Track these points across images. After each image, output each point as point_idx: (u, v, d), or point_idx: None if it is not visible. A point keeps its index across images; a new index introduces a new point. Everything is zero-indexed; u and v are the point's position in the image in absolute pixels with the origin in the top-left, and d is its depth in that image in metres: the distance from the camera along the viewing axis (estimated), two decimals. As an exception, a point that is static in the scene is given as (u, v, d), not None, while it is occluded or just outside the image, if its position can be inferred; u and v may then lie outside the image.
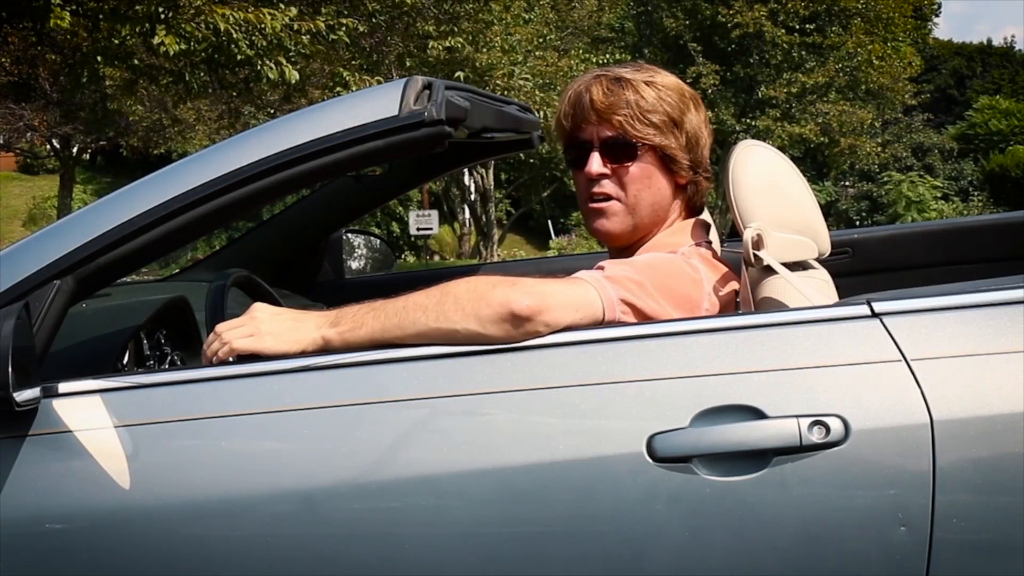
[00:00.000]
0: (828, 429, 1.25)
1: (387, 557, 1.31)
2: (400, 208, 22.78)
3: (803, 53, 21.86)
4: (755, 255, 1.48)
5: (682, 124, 1.60)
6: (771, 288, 1.50)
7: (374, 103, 1.46)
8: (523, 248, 26.32)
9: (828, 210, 30.16)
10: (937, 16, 33.22)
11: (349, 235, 2.64)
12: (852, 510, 1.25)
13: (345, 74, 10.71)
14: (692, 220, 1.67)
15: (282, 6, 8.23)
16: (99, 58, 8.95)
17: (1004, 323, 1.29)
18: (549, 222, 26.84)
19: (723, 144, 24.57)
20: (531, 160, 20.28)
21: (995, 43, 41.43)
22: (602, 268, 1.48)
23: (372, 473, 1.32)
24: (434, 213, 17.78)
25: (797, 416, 1.26)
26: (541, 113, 12.10)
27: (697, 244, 1.62)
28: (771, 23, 21.19)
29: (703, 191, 1.68)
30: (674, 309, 1.48)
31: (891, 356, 1.28)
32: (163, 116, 17.74)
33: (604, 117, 1.60)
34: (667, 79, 1.63)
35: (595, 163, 1.61)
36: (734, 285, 1.57)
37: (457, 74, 11.67)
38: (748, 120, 22.46)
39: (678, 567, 1.27)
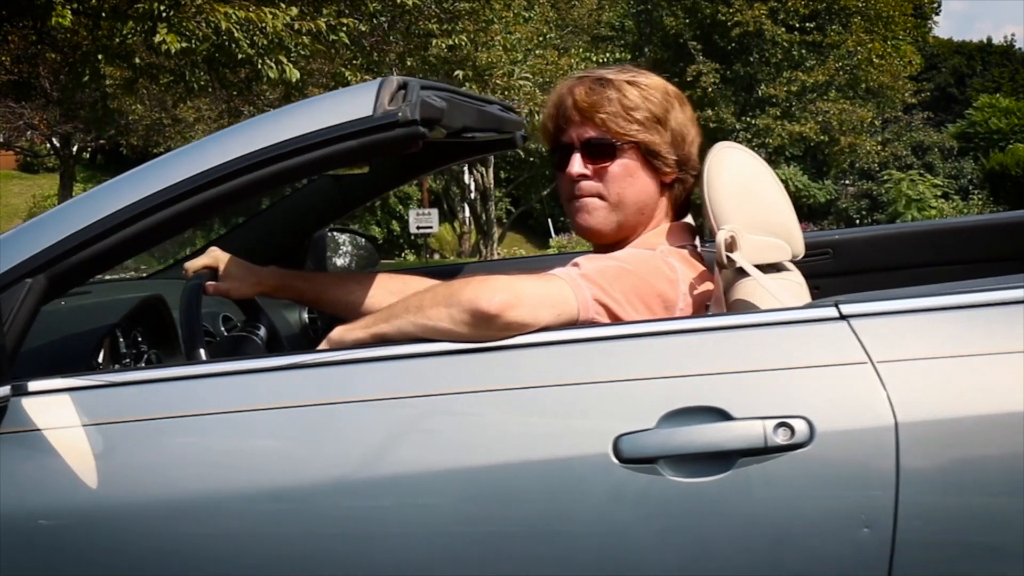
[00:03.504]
0: (793, 431, 1.25)
1: (358, 556, 1.32)
2: (400, 207, 22.79)
3: (803, 52, 21.89)
4: (727, 257, 1.49)
5: (666, 121, 1.61)
6: (743, 290, 1.50)
7: (349, 103, 1.46)
8: (523, 246, 26.32)
9: (828, 208, 30.17)
10: (937, 15, 33.25)
11: (333, 233, 2.65)
12: (816, 511, 1.26)
13: (347, 74, 10.71)
14: (676, 224, 1.67)
15: (283, 5, 8.23)
16: (100, 56, 8.94)
17: (971, 326, 1.30)
18: (549, 220, 26.83)
19: (723, 143, 24.56)
20: (531, 159, 20.28)
21: (995, 42, 41.43)
22: (577, 265, 1.49)
23: (342, 473, 1.33)
24: (434, 212, 17.77)
25: (762, 418, 1.27)
26: (542, 113, 12.08)
27: (681, 246, 1.62)
28: (771, 21, 21.21)
29: (690, 189, 1.68)
30: (648, 308, 1.48)
31: (857, 358, 1.28)
32: (163, 115, 17.74)
33: (587, 116, 1.61)
34: (650, 79, 1.64)
35: (576, 164, 1.62)
36: (712, 286, 1.57)
37: (457, 73, 11.66)
38: (748, 119, 22.47)
39: (644, 568, 1.28)
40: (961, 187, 29.58)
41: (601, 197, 1.63)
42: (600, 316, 1.44)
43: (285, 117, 1.50)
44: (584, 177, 1.62)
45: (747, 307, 1.47)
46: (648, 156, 1.61)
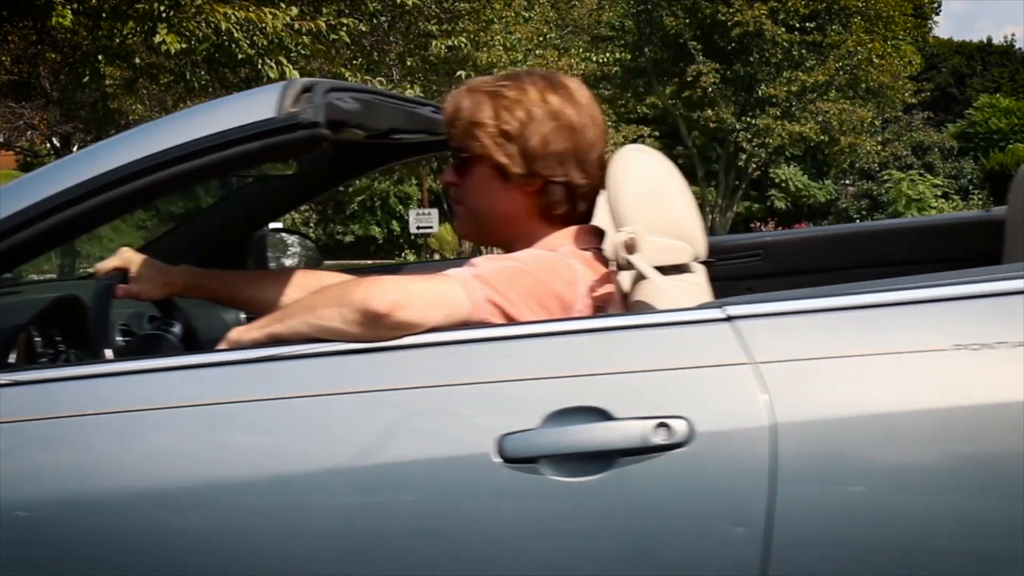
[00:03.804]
0: (673, 431, 1.27)
1: (241, 554, 1.32)
2: (400, 207, 22.79)
3: (803, 51, 21.87)
4: (623, 258, 1.50)
5: (520, 136, 1.58)
6: (643, 291, 1.52)
7: (253, 105, 1.46)
8: (523, 246, 26.25)
9: (828, 208, 30.18)
10: (937, 14, 33.24)
11: (275, 234, 2.65)
12: (693, 510, 1.27)
13: (347, 73, 10.71)
14: (583, 226, 1.65)
15: (283, 5, 8.24)
16: (100, 57, 8.95)
17: (852, 327, 1.31)
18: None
19: (723, 143, 24.63)
20: (531, 159, 20.27)
21: (995, 42, 41.43)
22: (474, 266, 1.49)
23: (224, 472, 1.33)
24: (434, 212, 17.77)
25: (642, 418, 1.28)
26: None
27: (586, 249, 1.61)
28: (771, 21, 21.20)
29: (567, 198, 1.63)
30: (544, 309, 1.48)
31: (740, 359, 1.29)
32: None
33: (449, 127, 1.64)
34: (519, 90, 1.61)
35: (447, 173, 1.67)
36: (613, 288, 1.58)
37: (459, 73, 11.67)
38: (748, 119, 22.47)
39: (525, 567, 1.29)
40: (961, 187, 29.60)
41: (465, 206, 1.66)
42: (493, 317, 1.44)
43: (187, 119, 1.50)
44: (453, 185, 1.66)
45: (645, 308, 1.49)
46: (498, 170, 1.60)
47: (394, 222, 23.19)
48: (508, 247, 1.65)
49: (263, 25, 7.80)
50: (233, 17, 7.68)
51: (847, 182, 30.66)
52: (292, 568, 1.32)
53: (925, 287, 1.33)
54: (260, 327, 1.48)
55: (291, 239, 2.72)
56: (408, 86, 11.56)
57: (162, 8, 7.56)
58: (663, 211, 1.58)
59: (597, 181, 1.63)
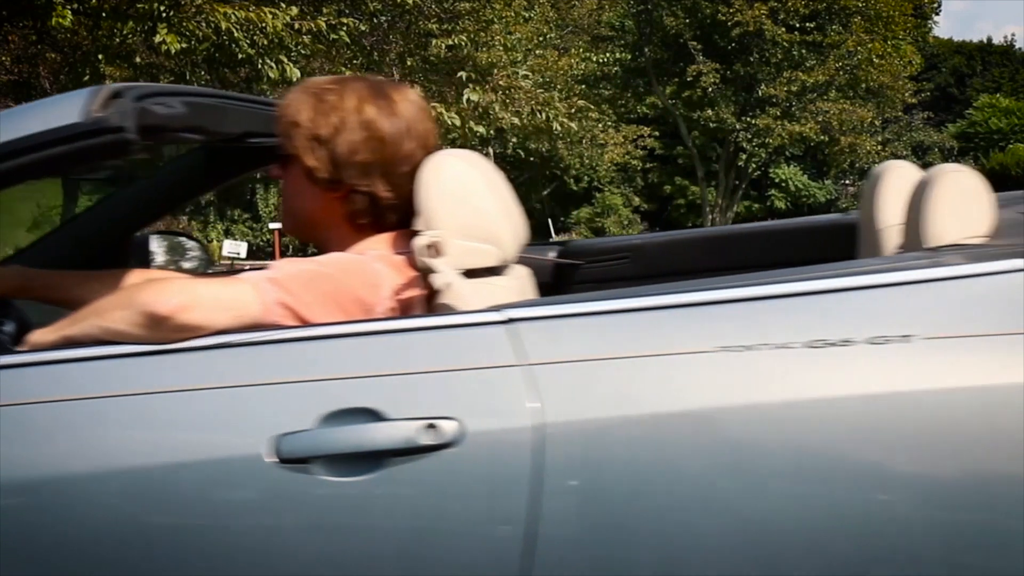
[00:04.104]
0: (442, 431, 1.28)
1: (21, 554, 1.33)
2: (400, 207, 22.76)
3: (803, 51, 21.89)
4: (422, 261, 1.52)
5: (329, 141, 1.60)
6: (448, 295, 1.54)
7: (61, 110, 1.46)
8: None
9: (828, 208, 30.17)
10: (937, 14, 33.23)
11: (159, 236, 2.65)
12: (460, 509, 1.29)
13: (347, 73, 10.71)
14: (401, 231, 1.66)
15: (283, 5, 8.24)
16: (100, 56, 8.95)
17: (623, 329, 1.34)
18: (549, 221, 26.85)
19: (723, 143, 24.63)
20: (531, 159, 20.30)
21: (995, 42, 41.45)
22: (271, 269, 1.50)
23: (7, 472, 1.34)
24: (434, 212, 17.72)
25: (413, 419, 1.30)
26: (543, 113, 12.09)
27: (400, 253, 1.62)
28: (771, 21, 21.21)
29: (371, 208, 1.64)
30: (343, 311, 1.49)
31: (514, 361, 1.31)
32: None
33: (277, 124, 1.65)
34: (340, 95, 1.62)
35: (273, 167, 1.70)
36: (421, 290, 1.59)
37: (460, 73, 11.67)
38: (748, 119, 22.49)
39: (298, 566, 1.30)
40: (961, 187, 29.51)
41: (285, 203, 1.69)
42: (285, 320, 1.44)
43: None
44: (279, 178, 1.68)
45: (446, 311, 1.51)
46: (308, 172, 1.62)
47: (394, 222, 23.19)
48: (324, 248, 1.66)
49: (263, 25, 7.81)
50: (233, 17, 7.69)
51: (847, 182, 30.67)
52: (64, 570, 1.33)
53: (692, 291, 1.36)
54: (56, 329, 1.49)
55: (177, 241, 2.73)
56: (408, 86, 11.52)
57: (162, 8, 7.57)
58: (471, 215, 1.60)
59: (408, 193, 1.62)
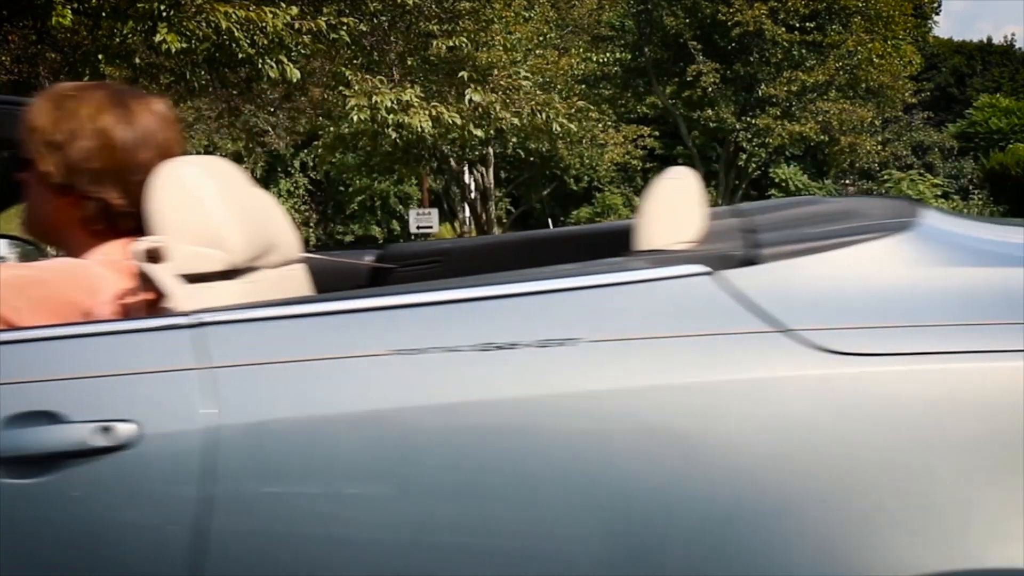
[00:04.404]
0: (117, 433, 1.30)
1: None
2: (400, 207, 22.78)
3: (803, 51, 21.88)
4: (140, 266, 1.53)
5: (62, 146, 1.62)
6: (165, 299, 1.56)
7: None
8: (523, 246, 26.25)
9: (828, 208, 30.07)
10: (937, 14, 33.22)
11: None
12: (135, 509, 1.31)
13: (347, 73, 10.73)
14: (131, 239, 1.66)
15: (283, 5, 8.24)
16: (100, 56, 8.96)
17: (304, 333, 1.36)
18: (549, 220, 26.83)
19: (723, 143, 24.61)
20: (531, 159, 20.29)
21: (995, 41, 41.45)
22: None
23: None
24: (434, 211, 17.80)
25: (89, 421, 1.31)
26: (543, 114, 12.08)
27: (129, 258, 1.63)
28: (771, 21, 21.21)
29: (103, 215, 1.67)
30: (57, 316, 1.51)
31: (196, 364, 1.33)
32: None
33: (22, 127, 1.67)
34: (81, 103, 1.65)
35: (23, 172, 1.71)
36: (147, 295, 1.60)
37: (460, 73, 11.67)
38: (748, 118, 22.48)
39: None
40: (961, 187, 29.60)
41: (27, 205, 1.71)
42: None
43: None
44: (22, 182, 1.69)
45: (138, 315, 1.53)
46: (43, 175, 1.64)
47: (394, 222, 23.21)
48: (66, 252, 1.68)
49: (263, 24, 7.81)
50: (233, 16, 7.69)
51: (847, 182, 30.66)
52: None
53: (373, 297, 1.40)
54: None
55: (21, 244, 2.75)
56: (408, 86, 11.56)
57: (162, 8, 7.57)
58: (194, 220, 1.60)
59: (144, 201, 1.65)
